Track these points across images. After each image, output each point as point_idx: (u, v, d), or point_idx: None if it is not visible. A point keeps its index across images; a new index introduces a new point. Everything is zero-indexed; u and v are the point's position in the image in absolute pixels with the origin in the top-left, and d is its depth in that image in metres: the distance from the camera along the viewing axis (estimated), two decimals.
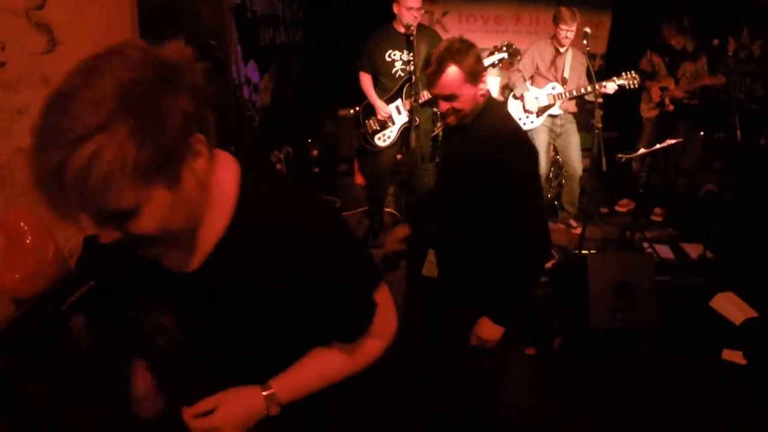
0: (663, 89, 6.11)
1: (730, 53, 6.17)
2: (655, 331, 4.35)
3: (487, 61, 4.98)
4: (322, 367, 1.61)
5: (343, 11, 7.47)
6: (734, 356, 4.36)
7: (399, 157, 5.86)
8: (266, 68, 6.30)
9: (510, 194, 2.59)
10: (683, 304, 4.73)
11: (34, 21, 3.38)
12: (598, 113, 4.84)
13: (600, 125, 4.79)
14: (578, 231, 5.69)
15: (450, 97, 2.65)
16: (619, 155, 5.25)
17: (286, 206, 1.39)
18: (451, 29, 8.11)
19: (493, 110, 2.76)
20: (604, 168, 4.70)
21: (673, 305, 4.58)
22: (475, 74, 2.63)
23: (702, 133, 6.43)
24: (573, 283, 4.37)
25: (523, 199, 2.61)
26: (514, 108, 5.84)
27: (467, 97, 2.65)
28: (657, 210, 6.48)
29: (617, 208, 6.66)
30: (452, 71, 2.60)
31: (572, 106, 5.80)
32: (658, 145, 5.05)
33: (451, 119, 2.73)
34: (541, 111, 5.73)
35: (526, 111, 5.75)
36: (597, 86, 5.18)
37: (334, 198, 6.72)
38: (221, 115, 3.33)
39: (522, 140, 2.69)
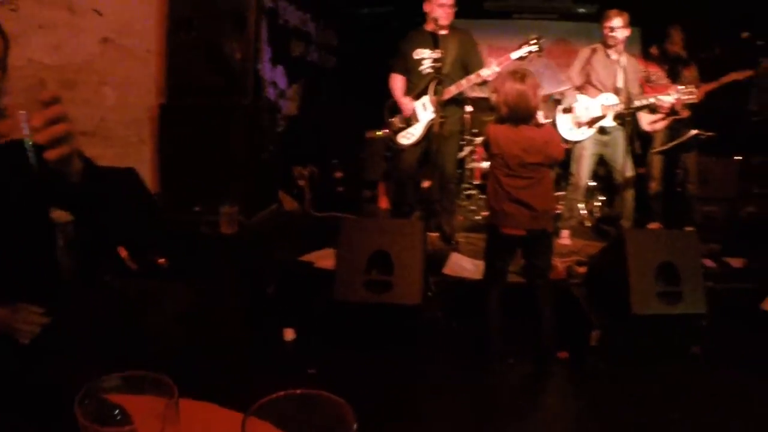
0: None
1: (762, 70, 6.03)
2: (704, 330, 3.98)
3: (514, 55, 4.87)
4: None
5: (377, 41, 7.52)
6: None
7: (426, 184, 5.73)
8: (295, 79, 6.31)
9: None
10: (730, 310, 4.38)
11: None
12: None
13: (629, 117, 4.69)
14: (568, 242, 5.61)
15: None
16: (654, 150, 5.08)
17: None
18: None
19: None
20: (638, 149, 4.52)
21: (720, 311, 4.20)
22: None
23: (740, 158, 6.19)
24: (610, 270, 4.08)
25: None
26: (562, 122, 5.57)
27: None
28: (691, 229, 6.16)
29: None
30: None
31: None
32: (693, 132, 4.86)
33: None
34: (592, 122, 5.42)
35: (576, 123, 5.48)
36: (655, 100, 5.13)
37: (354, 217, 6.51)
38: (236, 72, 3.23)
39: None
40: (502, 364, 3.84)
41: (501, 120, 3.70)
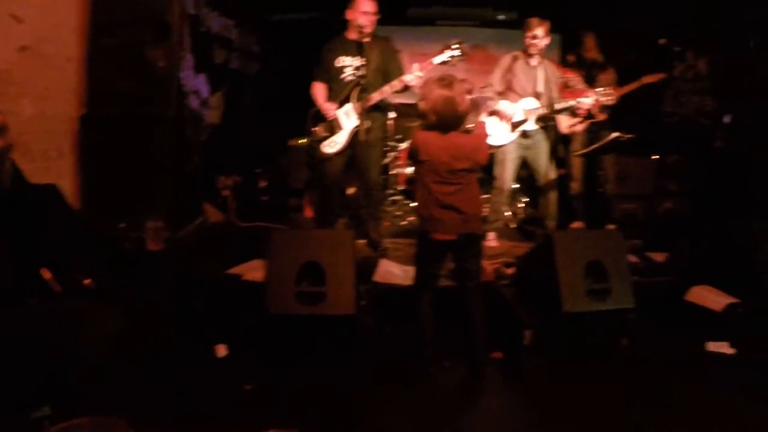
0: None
1: (676, 74, 6.28)
2: (632, 323, 4.10)
3: (437, 60, 4.89)
4: None
5: (299, 48, 7.46)
6: (720, 347, 4.09)
7: (350, 191, 5.69)
8: (218, 87, 6.19)
9: None
10: (655, 303, 4.52)
11: None
12: None
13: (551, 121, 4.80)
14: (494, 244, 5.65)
15: None
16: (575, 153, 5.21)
17: None
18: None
19: None
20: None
21: (645, 304, 4.31)
22: None
23: (657, 157, 6.42)
24: (540, 270, 4.15)
25: None
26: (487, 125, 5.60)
27: None
28: (612, 227, 6.35)
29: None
30: None
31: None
32: (614, 134, 5.03)
33: None
34: (514, 126, 5.53)
35: (499, 127, 5.57)
36: (575, 102, 5.32)
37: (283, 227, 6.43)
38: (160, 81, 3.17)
39: None
40: (437, 367, 3.84)
41: (429, 127, 3.67)
